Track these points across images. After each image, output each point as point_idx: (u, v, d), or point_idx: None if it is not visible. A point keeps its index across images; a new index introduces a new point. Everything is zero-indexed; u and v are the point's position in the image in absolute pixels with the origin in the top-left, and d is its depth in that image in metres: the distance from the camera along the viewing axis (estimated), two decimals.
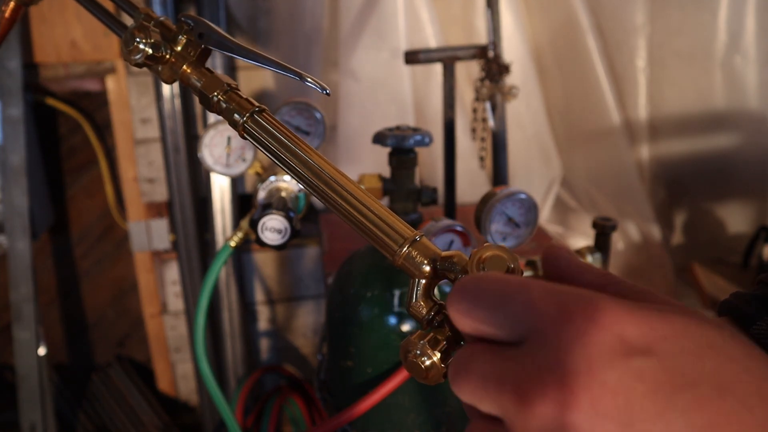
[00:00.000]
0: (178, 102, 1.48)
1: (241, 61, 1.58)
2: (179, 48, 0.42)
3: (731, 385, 0.25)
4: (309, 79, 0.41)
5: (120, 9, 0.46)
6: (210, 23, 0.42)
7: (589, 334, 0.25)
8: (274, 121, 0.41)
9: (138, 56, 0.42)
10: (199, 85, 0.42)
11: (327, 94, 0.41)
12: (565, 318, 0.26)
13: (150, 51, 0.42)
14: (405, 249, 0.37)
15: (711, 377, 0.25)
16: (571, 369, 0.25)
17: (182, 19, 0.42)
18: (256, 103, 0.42)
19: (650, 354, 0.25)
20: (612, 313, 0.26)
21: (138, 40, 0.41)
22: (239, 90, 0.42)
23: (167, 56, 0.42)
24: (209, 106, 0.42)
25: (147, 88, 1.56)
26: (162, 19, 0.43)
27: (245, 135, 0.41)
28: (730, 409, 0.24)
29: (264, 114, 0.41)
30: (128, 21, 0.45)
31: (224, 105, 0.42)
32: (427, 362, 0.34)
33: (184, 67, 0.42)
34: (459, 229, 0.67)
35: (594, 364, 0.25)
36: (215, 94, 0.42)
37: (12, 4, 0.49)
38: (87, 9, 0.46)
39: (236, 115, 0.41)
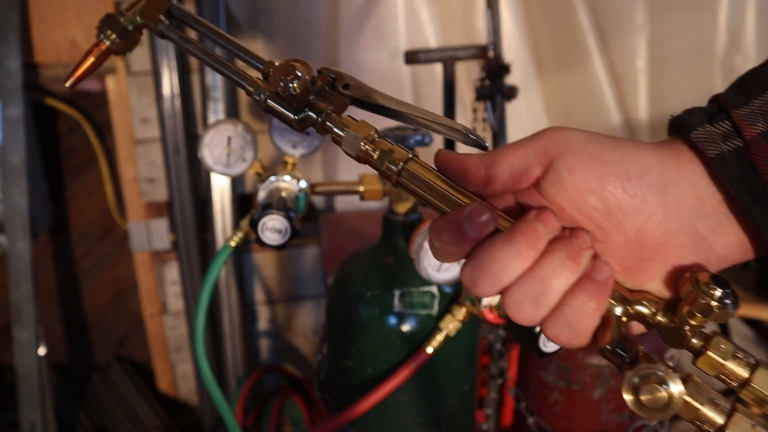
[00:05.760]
0: (178, 102, 1.48)
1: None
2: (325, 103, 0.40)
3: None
4: (473, 136, 0.42)
5: (249, 65, 0.43)
6: (352, 76, 0.41)
7: None
8: (424, 168, 0.39)
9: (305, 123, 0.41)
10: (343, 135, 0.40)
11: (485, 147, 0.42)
12: None
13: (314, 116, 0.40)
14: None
15: None
16: None
17: (322, 72, 0.41)
18: (406, 150, 0.39)
19: None
20: None
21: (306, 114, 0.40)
22: (386, 137, 0.40)
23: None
24: (357, 157, 0.40)
25: (147, 88, 1.56)
26: (312, 75, 0.40)
27: (398, 185, 0.39)
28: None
29: (414, 161, 0.39)
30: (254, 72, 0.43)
31: (373, 154, 0.39)
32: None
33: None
34: None
35: None
36: (362, 143, 0.39)
37: (104, 47, 0.44)
38: (220, 72, 0.44)
39: (390, 165, 0.38)
